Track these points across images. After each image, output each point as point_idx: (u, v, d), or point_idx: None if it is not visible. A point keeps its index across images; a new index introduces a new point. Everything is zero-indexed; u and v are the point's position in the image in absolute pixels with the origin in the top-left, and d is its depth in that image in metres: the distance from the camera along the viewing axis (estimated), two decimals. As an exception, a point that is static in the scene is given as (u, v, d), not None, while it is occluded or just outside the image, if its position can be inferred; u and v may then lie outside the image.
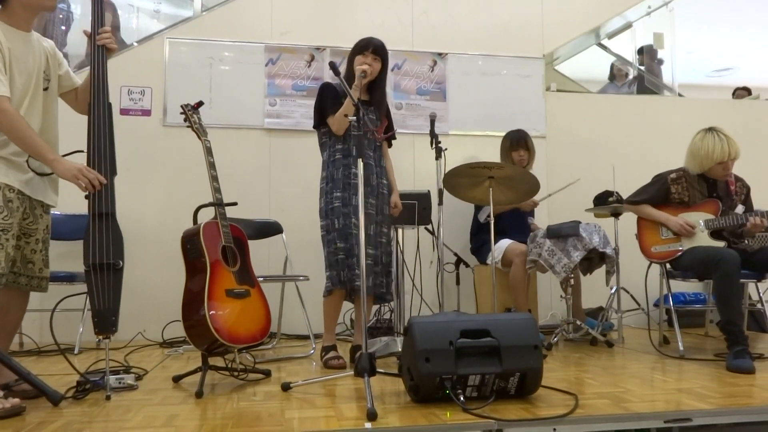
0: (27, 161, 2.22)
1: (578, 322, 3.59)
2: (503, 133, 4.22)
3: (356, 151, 2.75)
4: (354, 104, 2.45)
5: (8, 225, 2.13)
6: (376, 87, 3.08)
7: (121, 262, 2.26)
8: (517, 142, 4.10)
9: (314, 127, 3.09)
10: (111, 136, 2.33)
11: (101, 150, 2.29)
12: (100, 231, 2.24)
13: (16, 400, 2.04)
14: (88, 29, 2.41)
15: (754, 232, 3.10)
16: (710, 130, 3.13)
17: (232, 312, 2.46)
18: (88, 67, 2.40)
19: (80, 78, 2.51)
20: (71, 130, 2.70)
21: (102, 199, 2.26)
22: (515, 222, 4.05)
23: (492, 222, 3.28)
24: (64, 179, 2.22)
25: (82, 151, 2.30)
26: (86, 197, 2.25)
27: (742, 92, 5.72)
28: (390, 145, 3.23)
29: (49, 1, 2.24)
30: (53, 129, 2.36)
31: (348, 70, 3.04)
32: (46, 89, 2.31)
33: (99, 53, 2.38)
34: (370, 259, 2.94)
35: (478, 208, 4.15)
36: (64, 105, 2.48)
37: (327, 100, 2.99)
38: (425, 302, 4.27)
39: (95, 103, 2.32)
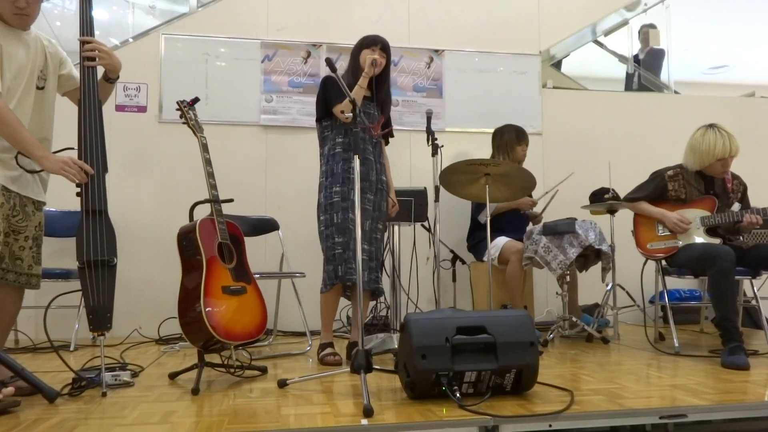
0: (16, 158, 2.20)
1: (574, 319, 3.60)
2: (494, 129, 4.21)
3: (353, 146, 2.75)
4: (351, 100, 2.45)
5: None
6: (380, 84, 3.07)
7: (114, 259, 2.25)
8: (523, 136, 4.09)
9: (317, 120, 3.08)
10: (101, 133, 2.32)
11: (92, 147, 2.28)
12: (93, 228, 2.23)
13: (10, 390, 2.03)
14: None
15: (750, 229, 3.11)
16: (711, 126, 3.14)
17: (229, 309, 2.46)
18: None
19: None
20: (62, 128, 2.68)
21: (94, 196, 2.25)
22: (512, 220, 4.06)
23: (488, 220, 3.29)
24: (52, 173, 2.21)
25: (72, 149, 2.28)
26: (78, 194, 2.24)
27: (646, 29, 5.62)
28: (387, 143, 3.23)
29: (13, 19, 2.18)
30: (46, 128, 2.34)
31: (352, 63, 3.04)
32: (41, 88, 2.29)
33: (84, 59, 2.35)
34: (366, 254, 2.94)
35: (476, 208, 4.14)
36: (57, 103, 2.46)
37: (331, 91, 2.96)
38: (412, 301, 4.28)
39: (84, 100, 2.31)
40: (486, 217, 3.34)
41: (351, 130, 2.97)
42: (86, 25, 2.38)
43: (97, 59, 2.35)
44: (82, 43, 2.35)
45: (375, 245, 3.03)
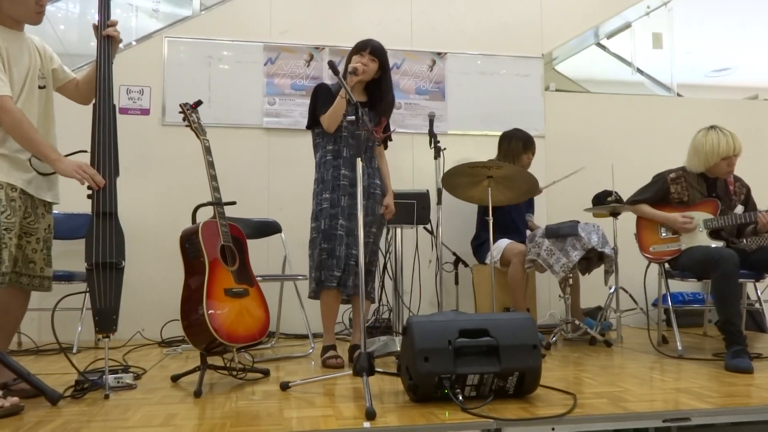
0: (29, 160, 2.22)
1: (577, 322, 3.59)
2: (502, 133, 4.20)
3: (355, 151, 2.75)
4: (353, 104, 2.45)
5: (11, 224, 2.13)
6: (375, 88, 3.08)
7: (123, 262, 2.26)
8: (530, 145, 4.09)
9: (307, 127, 3.10)
10: (114, 136, 2.34)
11: (105, 150, 2.30)
12: (103, 230, 2.25)
13: (15, 399, 2.04)
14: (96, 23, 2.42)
15: (766, 231, 3.10)
16: (713, 127, 3.16)
17: (231, 311, 2.46)
18: (92, 62, 2.41)
19: (79, 76, 2.51)
20: (74, 130, 2.70)
21: (105, 199, 2.26)
22: (517, 222, 4.06)
23: (491, 222, 3.29)
24: (66, 176, 2.22)
25: (85, 151, 2.30)
26: (89, 197, 2.25)
27: None
28: (386, 147, 3.23)
29: (36, 17, 2.23)
30: (50, 127, 2.36)
31: (345, 70, 3.04)
32: (43, 87, 2.31)
33: (104, 48, 2.37)
34: (353, 259, 2.94)
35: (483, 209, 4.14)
36: (66, 104, 2.47)
37: (320, 100, 2.99)
38: (406, 306, 4.28)
39: (99, 104, 2.33)
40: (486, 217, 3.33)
41: (343, 136, 2.98)
42: (105, 12, 2.42)
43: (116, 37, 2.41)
44: (108, 25, 2.39)
45: (365, 250, 3.04)
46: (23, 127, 2.12)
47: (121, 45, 2.48)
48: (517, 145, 4.06)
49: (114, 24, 2.41)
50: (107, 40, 2.39)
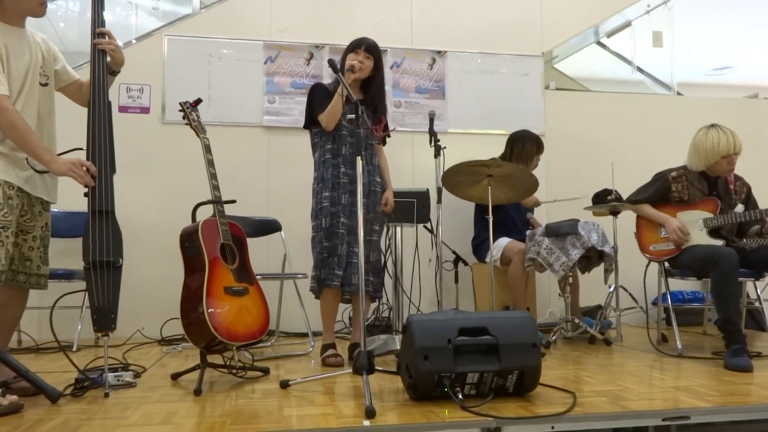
0: (27, 158, 2.22)
1: (576, 321, 3.59)
2: (502, 131, 4.21)
3: (356, 149, 2.74)
4: (353, 102, 2.46)
5: (8, 222, 2.13)
6: (370, 86, 3.08)
7: (120, 260, 2.26)
8: (542, 146, 4.09)
9: (304, 127, 3.10)
10: (110, 134, 2.34)
11: (100, 148, 2.30)
12: (100, 228, 2.25)
13: (14, 397, 2.04)
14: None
15: None
16: (713, 125, 3.16)
17: (231, 310, 2.46)
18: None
19: (79, 74, 2.51)
20: (71, 128, 2.70)
21: (102, 197, 2.26)
22: (516, 220, 4.06)
23: (491, 220, 3.29)
24: (61, 176, 2.23)
25: (81, 149, 2.30)
26: (85, 195, 2.25)
27: None
28: (384, 143, 3.23)
29: (39, 9, 2.23)
30: (51, 125, 2.36)
31: (342, 68, 3.04)
32: (45, 85, 2.31)
33: (98, 52, 2.38)
34: (355, 257, 2.94)
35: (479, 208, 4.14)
36: (64, 102, 2.47)
37: (316, 99, 3.00)
38: (413, 304, 4.28)
39: (95, 101, 2.32)
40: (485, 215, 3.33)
41: (342, 134, 2.98)
42: (98, 22, 2.41)
43: (110, 50, 2.39)
44: (100, 34, 2.38)
45: (369, 247, 3.04)
46: (19, 128, 2.12)
47: (121, 43, 2.47)
48: (531, 147, 4.07)
49: (105, 33, 2.39)
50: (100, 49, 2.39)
